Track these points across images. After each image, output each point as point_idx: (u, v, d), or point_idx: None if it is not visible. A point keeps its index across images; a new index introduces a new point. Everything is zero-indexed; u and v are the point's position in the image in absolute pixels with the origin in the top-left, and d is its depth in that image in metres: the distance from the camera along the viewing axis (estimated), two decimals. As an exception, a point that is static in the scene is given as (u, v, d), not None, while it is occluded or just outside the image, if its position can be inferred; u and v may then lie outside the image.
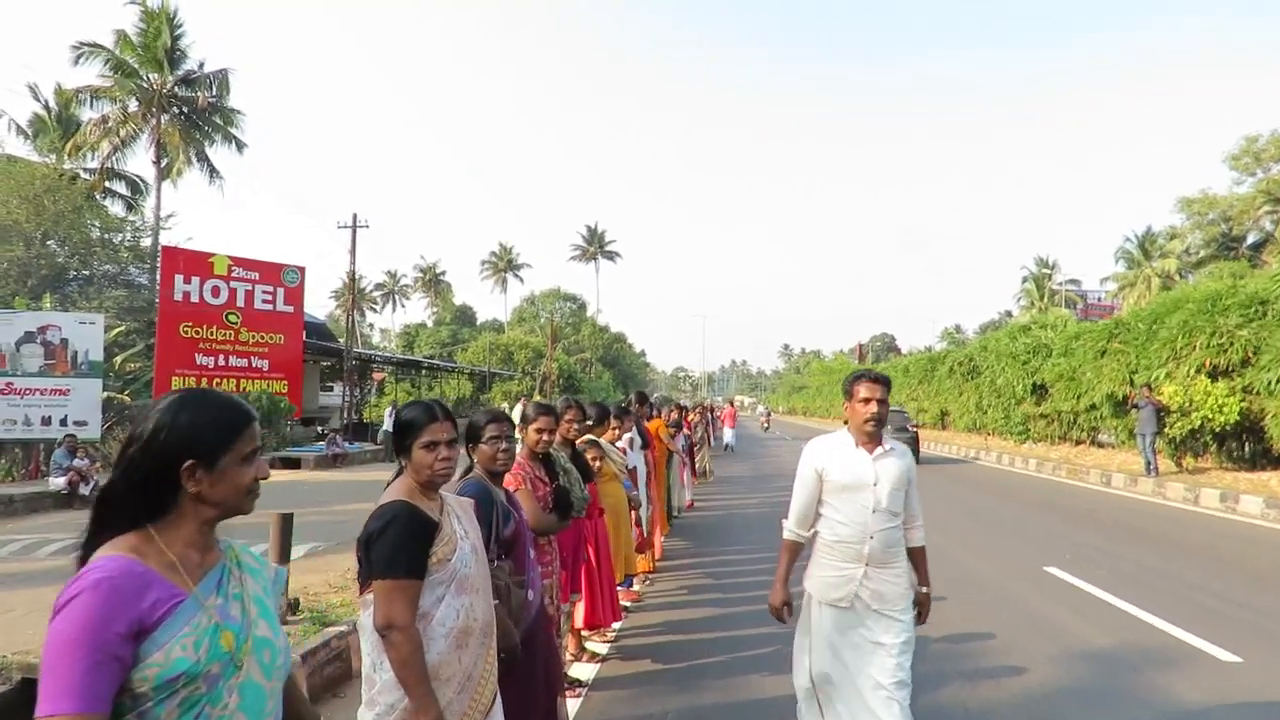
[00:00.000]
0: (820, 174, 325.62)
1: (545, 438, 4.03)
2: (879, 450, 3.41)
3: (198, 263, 25.43)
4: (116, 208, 33.22)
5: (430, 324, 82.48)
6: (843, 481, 3.39)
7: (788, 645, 5.89)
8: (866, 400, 3.38)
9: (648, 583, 7.72)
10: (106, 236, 30.70)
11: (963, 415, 32.08)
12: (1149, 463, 15.75)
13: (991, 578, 7.97)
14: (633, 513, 7.44)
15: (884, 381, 3.44)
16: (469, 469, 3.18)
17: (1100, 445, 22.79)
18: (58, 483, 13.07)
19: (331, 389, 38.51)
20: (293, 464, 21.18)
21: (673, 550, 9.46)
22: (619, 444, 6.96)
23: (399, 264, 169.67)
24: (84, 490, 13.12)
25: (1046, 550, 9.29)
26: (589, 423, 5.92)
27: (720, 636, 6.00)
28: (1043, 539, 10.09)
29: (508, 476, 3.89)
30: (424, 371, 47.39)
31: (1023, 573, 8.17)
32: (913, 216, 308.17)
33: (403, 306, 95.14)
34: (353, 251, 27.07)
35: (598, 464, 5.35)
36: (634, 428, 7.98)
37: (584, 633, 5.51)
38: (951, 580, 7.71)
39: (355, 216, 27.06)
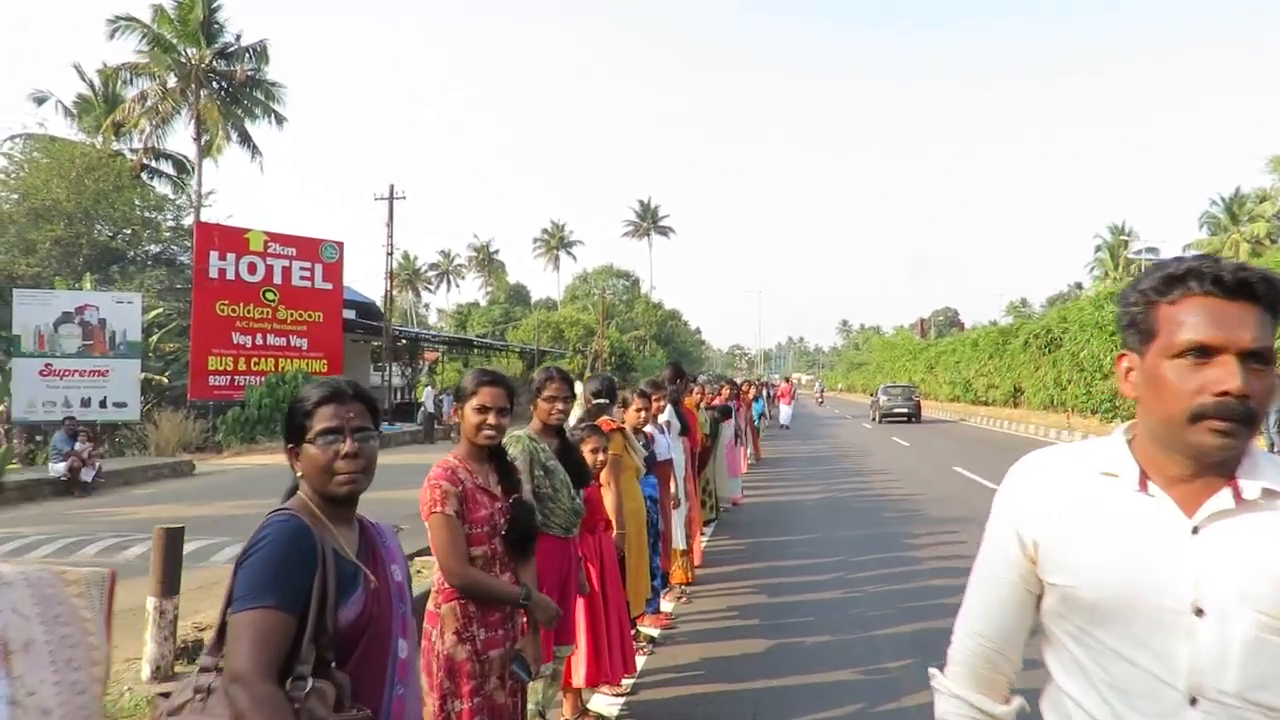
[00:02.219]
0: (877, 144, 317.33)
1: (491, 421, 2.57)
2: (1217, 503, 1.15)
3: (233, 238, 24.69)
4: (164, 188, 32.90)
5: (484, 303, 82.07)
6: (1096, 594, 1.18)
7: (875, 703, 4.43)
8: (1203, 352, 1.12)
9: (683, 599, 6.25)
10: (148, 216, 30.29)
11: (1038, 392, 29.85)
12: (1272, 444, 13.69)
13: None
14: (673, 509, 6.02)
15: (1243, 288, 1.11)
16: (293, 489, 1.74)
17: (1200, 424, 20.56)
18: (58, 468, 12.15)
19: (385, 369, 38.15)
20: (325, 446, 20.27)
21: (716, 553, 7.97)
22: (646, 428, 5.51)
23: (453, 244, 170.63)
24: (86, 476, 12.19)
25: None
26: (603, 401, 4.46)
27: (778, 687, 4.50)
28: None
29: (425, 489, 2.46)
30: (476, 350, 46.62)
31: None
32: (973, 187, 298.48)
33: (457, 286, 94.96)
34: (390, 224, 26.03)
35: (600, 457, 3.87)
36: (669, 408, 6.50)
37: (586, 690, 4.06)
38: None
39: (392, 188, 26.02)
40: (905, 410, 29.78)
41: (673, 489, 6.04)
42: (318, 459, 1.66)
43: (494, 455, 2.66)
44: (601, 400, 4.30)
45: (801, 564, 7.48)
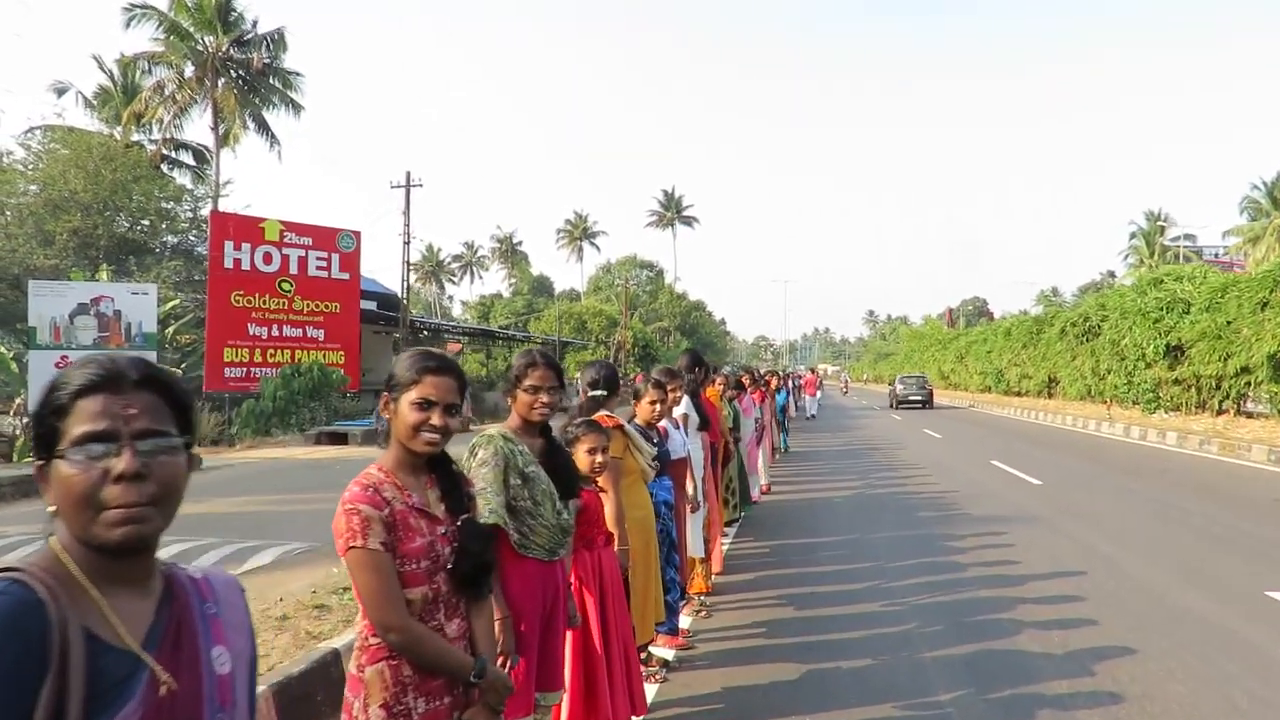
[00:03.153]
0: (904, 134, 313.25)
1: (435, 421, 1.92)
2: None
3: (248, 228, 24.30)
4: (184, 178, 32.63)
5: (507, 295, 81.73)
6: None
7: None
8: None
9: (702, 613, 5.59)
10: (166, 206, 30.02)
11: (1075, 381, 28.84)
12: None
13: (1198, 609, 5.56)
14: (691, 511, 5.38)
15: None
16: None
17: (1250, 415, 19.56)
18: (56, 463, 11.69)
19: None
20: (339, 439, 19.80)
21: (738, 557, 7.30)
22: (661, 423, 4.87)
23: (477, 236, 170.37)
24: (85, 471, 11.72)
25: (1256, 563, 6.78)
26: (602, 393, 3.81)
27: (806, 726, 3.84)
28: (1239, 544, 7.54)
29: (339, 516, 1.82)
30: (498, 341, 46.19)
31: (1239, 601, 5.73)
32: (1002, 175, 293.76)
33: (480, 278, 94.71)
34: (406, 212, 25.52)
35: (598, 459, 3.23)
36: (687, 399, 5.84)
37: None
38: (1144, 614, 5.36)
39: (409, 175, 25.51)
40: (919, 398, 34.61)
41: (690, 490, 5.39)
42: (73, 484, 1.01)
43: (434, 464, 2.01)
44: (599, 392, 3.64)
45: (833, 570, 6.80)
